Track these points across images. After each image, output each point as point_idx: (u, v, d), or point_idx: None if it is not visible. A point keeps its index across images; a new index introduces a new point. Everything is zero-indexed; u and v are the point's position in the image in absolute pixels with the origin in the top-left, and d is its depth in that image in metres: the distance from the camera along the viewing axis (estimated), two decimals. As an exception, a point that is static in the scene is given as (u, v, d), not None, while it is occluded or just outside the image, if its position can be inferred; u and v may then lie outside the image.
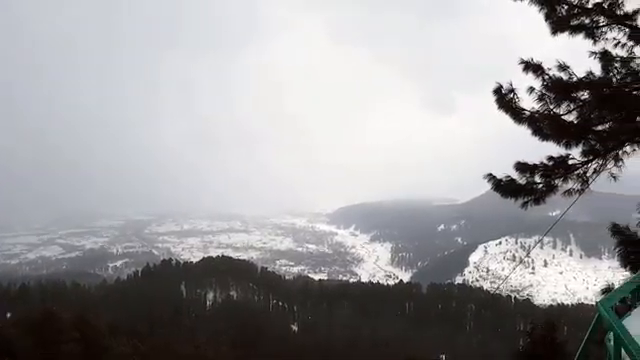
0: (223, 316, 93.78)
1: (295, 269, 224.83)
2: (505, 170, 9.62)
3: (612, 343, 4.15)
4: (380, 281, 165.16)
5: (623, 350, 3.77)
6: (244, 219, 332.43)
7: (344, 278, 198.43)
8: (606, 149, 9.13)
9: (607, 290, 9.22)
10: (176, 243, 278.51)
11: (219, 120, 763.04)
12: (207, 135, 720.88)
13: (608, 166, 9.26)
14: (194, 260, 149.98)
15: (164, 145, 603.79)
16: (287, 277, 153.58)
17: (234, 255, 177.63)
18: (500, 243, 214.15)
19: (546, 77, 8.86)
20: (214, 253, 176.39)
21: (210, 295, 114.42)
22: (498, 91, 9.16)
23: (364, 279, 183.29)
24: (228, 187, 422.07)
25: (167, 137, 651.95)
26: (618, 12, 8.41)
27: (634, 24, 8.45)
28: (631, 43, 8.62)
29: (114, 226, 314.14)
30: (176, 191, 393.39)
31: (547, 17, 8.83)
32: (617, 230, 10.10)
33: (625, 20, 8.44)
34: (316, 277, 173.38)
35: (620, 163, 9.22)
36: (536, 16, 8.97)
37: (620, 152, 9.14)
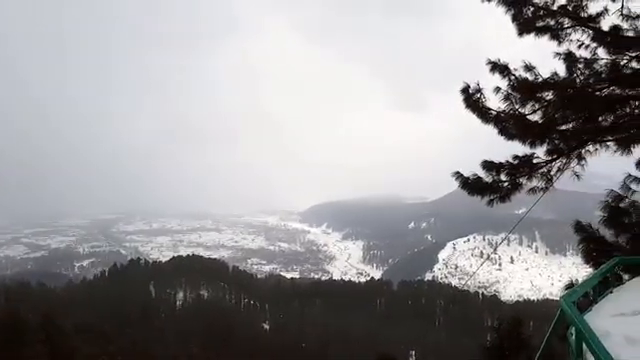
0: (193, 316, 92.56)
1: (267, 268, 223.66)
2: (475, 168, 9.75)
3: (574, 337, 4.23)
4: (352, 279, 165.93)
5: (584, 344, 3.85)
6: (215, 218, 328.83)
7: (316, 276, 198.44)
8: (569, 148, 9.34)
9: (570, 286, 9.45)
10: (145, 242, 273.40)
11: (190, 118, 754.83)
12: (178, 133, 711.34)
13: (571, 165, 9.49)
14: (163, 259, 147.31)
15: (133, 143, 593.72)
16: (259, 276, 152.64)
17: (205, 254, 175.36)
18: (468, 240, 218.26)
19: (512, 77, 9.00)
20: (184, 252, 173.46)
21: (180, 295, 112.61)
22: (465, 91, 9.26)
23: (336, 277, 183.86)
24: (199, 186, 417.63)
25: (137, 135, 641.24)
26: (582, 14, 8.60)
27: (597, 26, 8.65)
28: (594, 45, 8.83)
29: (80, 225, 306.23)
30: (145, 189, 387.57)
31: (514, 18, 8.95)
32: (580, 227, 10.34)
33: (589, 22, 8.63)
34: (288, 275, 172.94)
35: (583, 162, 9.46)
36: (505, 16, 9.10)
37: (583, 151, 9.37)
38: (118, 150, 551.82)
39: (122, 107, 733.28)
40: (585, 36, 8.77)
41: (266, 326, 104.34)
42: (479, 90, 9.21)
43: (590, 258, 10.16)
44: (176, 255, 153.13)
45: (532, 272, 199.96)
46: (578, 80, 8.97)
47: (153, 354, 50.85)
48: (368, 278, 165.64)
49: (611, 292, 6.47)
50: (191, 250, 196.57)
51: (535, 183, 9.69)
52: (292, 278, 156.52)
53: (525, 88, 8.91)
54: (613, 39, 8.60)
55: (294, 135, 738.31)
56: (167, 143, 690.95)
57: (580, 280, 9.17)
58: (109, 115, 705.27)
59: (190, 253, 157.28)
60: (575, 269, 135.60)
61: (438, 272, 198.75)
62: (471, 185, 9.69)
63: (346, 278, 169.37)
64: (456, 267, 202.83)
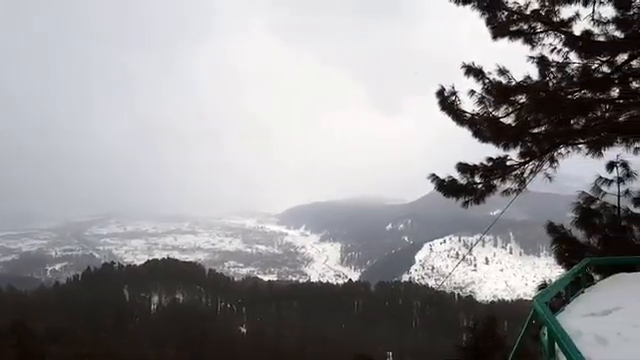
0: (168, 320, 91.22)
1: (244, 270, 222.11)
2: (451, 171, 9.84)
3: (546, 337, 4.27)
4: (330, 281, 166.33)
5: (556, 344, 3.88)
6: (191, 220, 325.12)
7: (294, 279, 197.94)
8: (542, 151, 9.49)
9: (543, 286, 9.57)
10: (119, 245, 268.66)
11: (165, 119, 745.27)
12: (153, 134, 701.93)
13: (544, 167, 9.65)
14: (138, 263, 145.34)
15: (108, 144, 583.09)
16: (236, 279, 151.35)
17: (180, 257, 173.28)
18: (445, 241, 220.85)
19: (486, 81, 9.11)
20: (159, 255, 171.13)
21: (155, 299, 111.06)
22: (441, 94, 9.34)
23: (314, 279, 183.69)
24: (175, 188, 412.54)
25: (111, 136, 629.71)
26: (554, 19, 8.74)
27: (569, 31, 8.81)
28: (566, 49, 8.98)
29: (52, 228, 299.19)
30: (119, 192, 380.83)
31: (488, 22, 9.05)
32: (553, 229, 10.50)
33: (561, 27, 8.78)
34: (265, 278, 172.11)
35: (555, 164, 9.63)
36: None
37: (555, 154, 9.54)
38: (93, 151, 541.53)
39: (98, 108, 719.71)
40: (557, 40, 8.92)
41: (243, 329, 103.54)
42: (454, 93, 9.30)
43: (562, 259, 10.32)
44: (151, 258, 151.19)
45: (506, 273, 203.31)
46: (550, 84, 9.12)
47: (127, 359, 49.96)
48: (346, 280, 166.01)
49: (582, 292, 6.57)
50: (166, 253, 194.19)
51: (509, 185, 9.83)
52: (270, 281, 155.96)
53: (499, 91, 9.03)
54: (584, 44, 8.77)
55: (272, 137, 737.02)
56: (142, 145, 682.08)
57: (553, 280, 9.32)
58: (84, 116, 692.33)
59: (165, 256, 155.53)
60: (548, 269, 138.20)
61: (415, 273, 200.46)
62: (446, 187, 9.78)
63: (324, 280, 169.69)
64: (433, 268, 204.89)
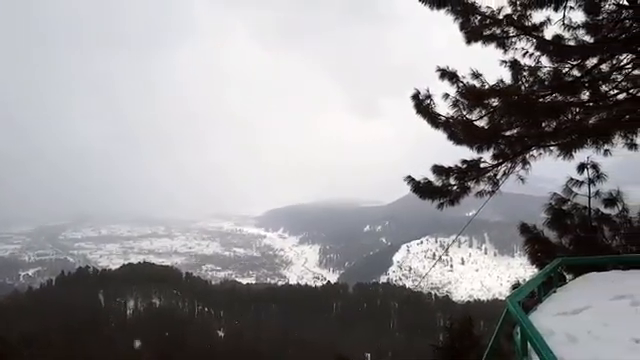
0: (145, 325, 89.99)
1: (222, 274, 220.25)
2: (427, 173, 9.94)
3: (519, 336, 4.33)
4: (308, 283, 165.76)
5: (529, 343, 3.94)
6: (168, 224, 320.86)
7: (272, 281, 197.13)
8: (514, 153, 9.66)
9: (517, 286, 9.73)
10: (94, 249, 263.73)
11: (141, 122, 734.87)
12: (128, 137, 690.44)
13: (516, 169, 9.82)
14: (113, 267, 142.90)
15: (82, 146, 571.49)
16: (213, 282, 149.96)
17: (157, 261, 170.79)
18: (422, 242, 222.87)
19: (460, 84, 9.22)
20: (135, 259, 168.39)
21: (131, 303, 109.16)
22: (416, 97, 9.42)
23: (292, 281, 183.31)
24: (150, 191, 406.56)
25: (85, 138, 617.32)
26: (527, 23, 8.89)
27: (541, 35, 8.98)
28: (538, 53, 9.15)
29: (26, 232, 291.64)
30: (94, 195, 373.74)
31: (462, 27, 9.15)
32: (525, 229, 10.70)
33: (533, 31, 8.93)
34: (244, 281, 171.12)
35: (527, 166, 9.81)
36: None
37: (527, 156, 9.72)
38: (66, 154, 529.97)
39: (78, 109, 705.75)
40: (529, 45, 9.06)
41: (221, 333, 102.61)
42: (429, 96, 9.39)
43: (535, 259, 10.51)
44: (126, 262, 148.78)
45: (482, 273, 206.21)
46: (523, 87, 9.28)
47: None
48: (324, 282, 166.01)
49: (555, 292, 6.70)
50: (142, 257, 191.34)
51: (482, 186, 9.98)
52: (248, 284, 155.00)
53: (472, 95, 9.14)
54: (555, 48, 8.94)
55: (251, 139, 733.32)
56: (119, 147, 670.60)
57: (526, 280, 9.48)
58: (63, 118, 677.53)
59: (141, 260, 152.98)
60: (522, 269, 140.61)
61: (393, 274, 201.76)
62: (422, 189, 9.86)
63: (302, 282, 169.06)
64: (410, 269, 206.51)
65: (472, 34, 9.10)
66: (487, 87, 9.14)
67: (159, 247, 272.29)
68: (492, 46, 9.21)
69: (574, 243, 10.00)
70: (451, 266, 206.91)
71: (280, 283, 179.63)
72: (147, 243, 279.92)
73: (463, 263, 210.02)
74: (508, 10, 8.89)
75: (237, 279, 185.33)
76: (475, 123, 9.36)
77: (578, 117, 9.16)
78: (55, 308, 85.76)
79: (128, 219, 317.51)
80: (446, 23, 9.20)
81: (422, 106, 9.44)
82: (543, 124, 9.31)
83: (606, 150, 9.63)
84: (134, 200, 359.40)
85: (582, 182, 10.16)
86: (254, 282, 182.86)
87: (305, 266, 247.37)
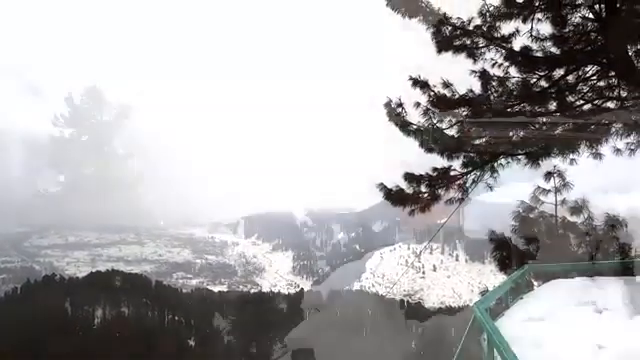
0: (113, 334, 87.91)
1: (193, 282, 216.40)
2: (399, 180, 10.00)
3: (486, 342, 4.37)
4: (281, 290, 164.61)
5: (495, 350, 3.97)
6: (137, 230, 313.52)
7: (245, 289, 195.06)
8: (483, 161, 9.82)
9: (485, 292, 9.86)
10: (60, 257, 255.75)
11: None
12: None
13: (485, 177, 9.98)
14: (80, 275, 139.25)
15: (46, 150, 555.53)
16: (184, 290, 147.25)
17: (126, 269, 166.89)
18: (394, 249, 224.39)
19: (432, 93, 9.35)
20: (103, 267, 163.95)
21: (98, 312, 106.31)
22: (388, 105, 9.50)
23: (265, 289, 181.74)
24: (119, 197, 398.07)
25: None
26: (496, 35, 9.08)
27: (509, 46, 9.18)
28: (507, 63, 9.36)
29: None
30: (60, 201, 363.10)
31: (433, 37, 9.30)
32: (493, 236, 10.86)
33: (502, 42, 9.13)
34: (216, 289, 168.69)
35: (495, 174, 9.98)
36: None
37: (495, 164, 9.89)
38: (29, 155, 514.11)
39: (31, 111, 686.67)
40: (498, 55, 9.26)
41: (191, 342, 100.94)
42: (400, 105, 9.49)
43: (503, 265, 10.68)
44: (94, 270, 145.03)
45: (453, 279, 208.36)
46: (492, 97, 9.46)
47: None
48: (298, 289, 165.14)
49: (522, 298, 6.81)
50: (111, 265, 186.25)
51: (452, 194, 10.10)
52: (220, 291, 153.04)
53: (443, 104, 9.28)
54: (523, 59, 9.15)
55: (222, 143, 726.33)
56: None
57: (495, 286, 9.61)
58: (19, 119, 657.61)
59: (110, 268, 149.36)
60: (493, 276, 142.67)
61: (366, 281, 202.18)
62: (394, 196, 9.93)
63: (275, 290, 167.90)
64: (383, 276, 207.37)
65: (443, 44, 9.25)
66: (457, 96, 9.28)
67: (128, 254, 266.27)
68: (462, 56, 9.38)
69: (541, 250, 10.21)
70: (423, 273, 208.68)
71: (253, 291, 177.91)
72: (116, 250, 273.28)
73: (435, 270, 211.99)
74: (478, 21, 9.07)
75: (209, 287, 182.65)
76: (445, 132, 9.49)
77: (545, 127, 9.38)
78: (20, 317, 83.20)
79: (96, 226, 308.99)
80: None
81: (394, 114, 9.53)
82: (511, 133, 9.50)
83: (572, 159, 9.87)
84: (102, 208, 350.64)
85: (549, 190, 10.39)
86: (226, 290, 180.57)
87: (278, 273, 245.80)
